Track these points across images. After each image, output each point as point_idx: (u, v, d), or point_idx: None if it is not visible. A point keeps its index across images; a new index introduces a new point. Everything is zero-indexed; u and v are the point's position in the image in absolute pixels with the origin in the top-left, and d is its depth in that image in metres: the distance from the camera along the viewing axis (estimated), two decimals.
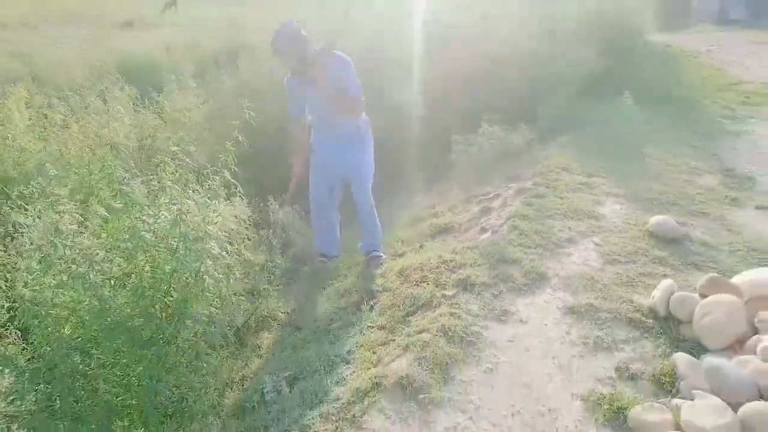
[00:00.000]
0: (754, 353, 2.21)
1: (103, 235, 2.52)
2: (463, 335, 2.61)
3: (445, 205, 4.60)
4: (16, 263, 2.54)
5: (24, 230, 2.54)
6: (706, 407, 1.98)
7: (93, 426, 2.30)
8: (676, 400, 2.08)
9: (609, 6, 7.56)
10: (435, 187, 5.28)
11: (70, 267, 2.24)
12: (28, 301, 2.28)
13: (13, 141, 4.01)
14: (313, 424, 2.32)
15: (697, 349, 2.38)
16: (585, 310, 2.72)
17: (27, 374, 2.30)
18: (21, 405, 2.29)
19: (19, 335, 2.54)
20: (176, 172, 2.75)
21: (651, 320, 2.61)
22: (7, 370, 2.31)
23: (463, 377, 2.39)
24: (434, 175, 5.46)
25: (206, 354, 2.58)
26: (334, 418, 2.32)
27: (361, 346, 2.82)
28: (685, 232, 3.44)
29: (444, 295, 2.96)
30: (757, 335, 2.30)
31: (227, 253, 2.69)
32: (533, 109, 5.92)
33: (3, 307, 2.52)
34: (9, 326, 2.55)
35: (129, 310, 2.30)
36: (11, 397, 2.34)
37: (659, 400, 2.12)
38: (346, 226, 4.13)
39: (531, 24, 6.97)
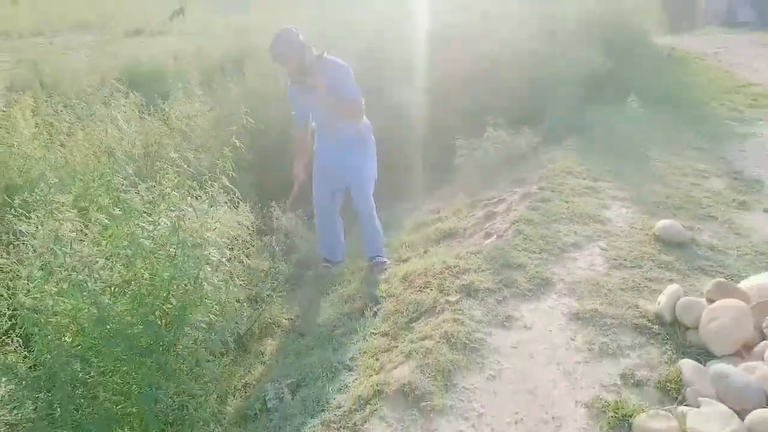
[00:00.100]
0: (762, 359, 2.16)
1: (103, 242, 2.52)
2: (467, 342, 2.58)
3: (450, 210, 4.57)
4: (18, 271, 2.54)
5: (25, 238, 2.55)
6: (712, 414, 1.94)
7: None
8: (681, 408, 2.04)
9: (609, 6, 7.54)
10: (438, 191, 5.25)
11: (70, 275, 2.24)
12: (29, 309, 2.28)
13: (18, 149, 4.04)
14: None
15: (704, 355, 2.34)
16: (590, 316, 2.68)
17: (27, 382, 2.30)
18: (21, 413, 2.29)
19: (21, 343, 2.54)
20: (176, 178, 2.75)
21: (657, 326, 2.57)
22: (4, 378, 2.31)
23: (466, 384, 2.36)
24: (435, 177, 5.43)
25: (207, 361, 2.57)
26: (335, 426, 2.30)
27: (364, 352, 2.80)
28: (692, 236, 3.40)
29: (448, 301, 2.94)
30: (764, 341, 2.26)
31: (227, 259, 2.68)
32: (534, 110, 5.90)
33: (4, 315, 2.51)
34: (11, 334, 2.55)
35: (128, 318, 2.29)
36: (12, 405, 2.33)
37: (665, 408, 2.08)
38: (348, 231, 4.11)
39: (531, 24, 6.98)
